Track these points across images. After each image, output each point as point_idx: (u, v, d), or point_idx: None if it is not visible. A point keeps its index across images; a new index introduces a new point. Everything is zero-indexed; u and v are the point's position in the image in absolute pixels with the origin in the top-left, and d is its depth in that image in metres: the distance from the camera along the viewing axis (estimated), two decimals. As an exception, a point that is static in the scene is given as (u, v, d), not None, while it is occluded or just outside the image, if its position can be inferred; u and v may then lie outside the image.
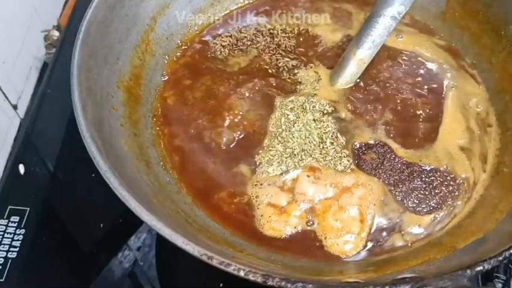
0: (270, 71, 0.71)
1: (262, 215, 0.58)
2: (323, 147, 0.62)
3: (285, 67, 0.71)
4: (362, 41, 0.67)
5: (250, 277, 0.42)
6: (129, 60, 0.66)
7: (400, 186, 0.61)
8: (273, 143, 0.63)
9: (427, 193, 0.60)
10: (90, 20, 0.59)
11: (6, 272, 0.63)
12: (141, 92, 0.67)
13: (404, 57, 0.72)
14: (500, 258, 0.44)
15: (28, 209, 0.68)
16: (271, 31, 0.76)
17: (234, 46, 0.74)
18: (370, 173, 0.61)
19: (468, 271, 0.42)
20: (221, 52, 0.74)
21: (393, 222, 0.59)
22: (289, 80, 0.70)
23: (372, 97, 0.68)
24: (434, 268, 0.51)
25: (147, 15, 0.70)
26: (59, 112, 0.77)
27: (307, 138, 0.63)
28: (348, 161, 0.62)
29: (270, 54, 0.73)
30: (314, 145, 0.62)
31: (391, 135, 0.64)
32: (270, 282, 0.41)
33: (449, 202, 0.60)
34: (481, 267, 0.43)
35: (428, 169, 0.62)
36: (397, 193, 0.60)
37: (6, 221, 0.67)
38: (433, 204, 0.60)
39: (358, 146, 0.63)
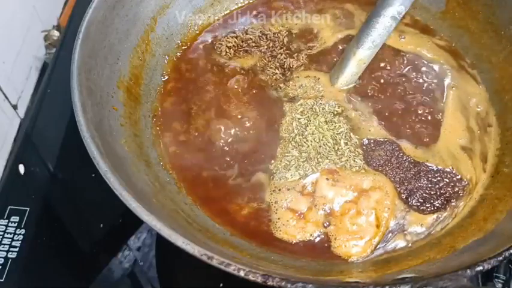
0: (274, 73, 0.71)
1: (279, 218, 0.58)
2: (338, 149, 0.62)
3: (289, 69, 0.71)
4: (362, 41, 0.67)
5: (250, 277, 0.42)
6: (129, 60, 0.66)
7: (406, 184, 0.61)
8: (287, 148, 0.63)
9: (432, 193, 0.60)
10: (90, 20, 0.59)
11: (6, 272, 0.63)
12: (141, 92, 0.67)
13: (406, 58, 0.72)
14: (500, 258, 0.44)
15: (28, 209, 0.68)
16: (276, 34, 0.75)
17: (239, 47, 0.74)
18: (377, 169, 0.61)
19: (468, 271, 0.42)
20: (226, 53, 0.74)
21: (400, 223, 0.59)
22: (293, 83, 0.70)
23: (375, 96, 0.68)
24: (434, 268, 0.51)
25: (147, 15, 0.70)
26: (59, 112, 0.77)
27: (321, 140, 0.63)
28: (361, 160, 0.62)
29: (273, 57, 0.73)
30: (329, 147, 0.62)
31: (395, 134, 0.65)
32: (270, 282, 0.41)
33: (453, 203, 0.60)
34: (481, 267, 0.43)
35: (435, 169, 0.62)
36: (402, 191, 0.60)
37: (6, 221, 0.67)
38: (438, 204, 0.60)
39: (366, 143, 0.64)
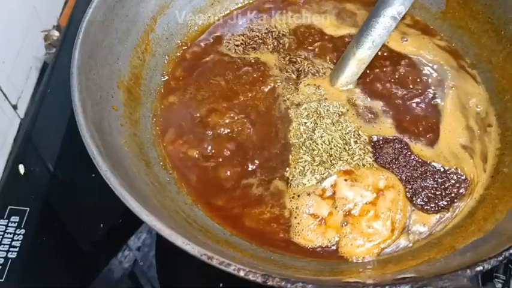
0: (277, 76, 0.71)
1: (298, 223, 0.58)
2: (349, 148, 0.62)
3: (303, 73, 0.71)
4: (362, 41, 0.67)
5: (250, 277, 0.42)
6: (129, 60, 0.66)
7: (412, 183, 0.61)
8: (299, 154, 0.62)
9: (437, 193, 0.61)
10: (90, 20, 0.59)
11: (6, 272, 0.63)
12: (141, 92, 0.67)
13: (407, 58, 0.73)
14: (500, 258, 0.44)
15: (28, 209, 0.68)
16: (281, 32, 0.76)
17: (247, 45, 0.75)
18: (384, 166, 0.62)
19: (468, 271, 0.42)
20: (235, 51, 0.74)
21: (405, 222, 0.59)
22: (298, 86, 0.70)
23: (377, 96, 0.68)
24: (434, 268, 0.51)
25: (147, 15, 0.70)
26: (59, 112, 0.77)
27: (331, 142, 0.63)
28: (371, 158, 0.62)
29: (291, 63, 0.73)
30: (340, 148, 0.62)
31: (398, 133, 0.65)
32: (270, 282, 0.41)
33: (456, 203, 0.60)
34: (481, 267, 0.43)
35: (441, 170, 0.62)
36: (407, 189, 0.60)
37: (6, 221, 0.67)
38: (442, 205, 0.60)
39: (375, 139, 0.64)
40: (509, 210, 0.55)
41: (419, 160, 0.63)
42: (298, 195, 0.59)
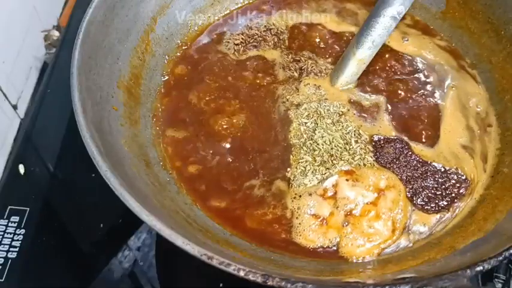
0: (279, 77, 0.71)
1: (300, 224, 0.58)
2: (350, 148, 0.62)
3: (295, 70, 0.71)
4: (362, 41, 0.67)
5: (250, 277, 0.42)
6: (129, 60, 0.66)
7: (412, 183, 0.61)
8: (300, 154, 0.62)
9: (438, 193, 0.61)
10: (90, 20, 0.59)
11: (6, 272, 0.63)
12: (141, 92, 0.67)
13: (408, 59, 0.73)
14: (500, 258, 0.44)
15: (28, 209, 0.68)
16: (280, 29, 0.76)
17: (248, 43, 0.75)
18: (385, 166, 0.62)
19: (468, 271, 0.42)
20: (235, 50, 0.74)
21: (406, 223, 0.59)
22: (298, 86, 0.69)
23: (378, 96, 0.68)
24: (434, 268, 0.51)
25: (147, 15, 0.70)
26: (59, 112, 0.77)
27: (332, 142, 0.63)
28: (371, 157, 0.62)
29: (295, 61, 0.72)
30: (341, 148, 0.62)
31: (399, 132, 0.65)
32: (270, 282, 0.41)
33: (456, 203, 0.60)
34: (481, 267, 0.43)
35: (442, 170, 0.62)
36: (407, 189, 0.61)
37: (6, 221, 0.67)
38: (442, 205, 0.60)
39: (376, 139, 0.64)
40: (509, 210, 0.55)
41: (420, 160, 0.63)
42: (300, 196, 0.59)
